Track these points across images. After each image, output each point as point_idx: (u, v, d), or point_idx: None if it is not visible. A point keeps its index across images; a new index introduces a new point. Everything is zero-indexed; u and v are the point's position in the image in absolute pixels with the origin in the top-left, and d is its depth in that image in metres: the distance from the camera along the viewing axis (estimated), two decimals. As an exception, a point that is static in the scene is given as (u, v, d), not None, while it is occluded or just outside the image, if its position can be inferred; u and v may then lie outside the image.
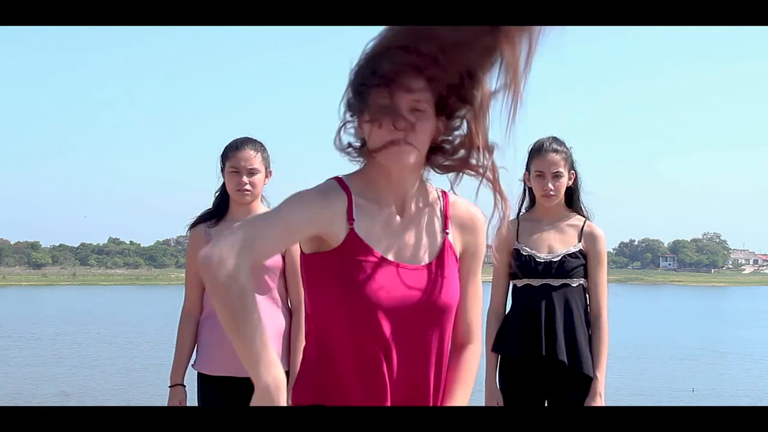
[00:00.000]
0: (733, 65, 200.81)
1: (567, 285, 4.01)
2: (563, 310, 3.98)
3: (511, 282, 4.09)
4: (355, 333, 1.94)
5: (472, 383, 2.07)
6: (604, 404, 3.95)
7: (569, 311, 3.99)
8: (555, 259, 4.02)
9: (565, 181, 4.05)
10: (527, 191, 4.15)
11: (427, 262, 2.00)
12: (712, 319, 38.71)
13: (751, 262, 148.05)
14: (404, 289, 1.95)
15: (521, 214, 4.14)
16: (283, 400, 1.83)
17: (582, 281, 4.05)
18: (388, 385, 1.95)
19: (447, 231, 2.04)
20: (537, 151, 4.05)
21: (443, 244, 2.03)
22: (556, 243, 4.06)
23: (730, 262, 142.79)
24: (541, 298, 3.97)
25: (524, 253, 4.03)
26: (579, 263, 4.04)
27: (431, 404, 2.01)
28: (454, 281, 2.02)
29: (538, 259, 4.00)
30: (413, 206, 2.02)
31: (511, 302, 4.11)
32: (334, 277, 1.94)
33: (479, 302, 2.12)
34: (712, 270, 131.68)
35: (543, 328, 3.94)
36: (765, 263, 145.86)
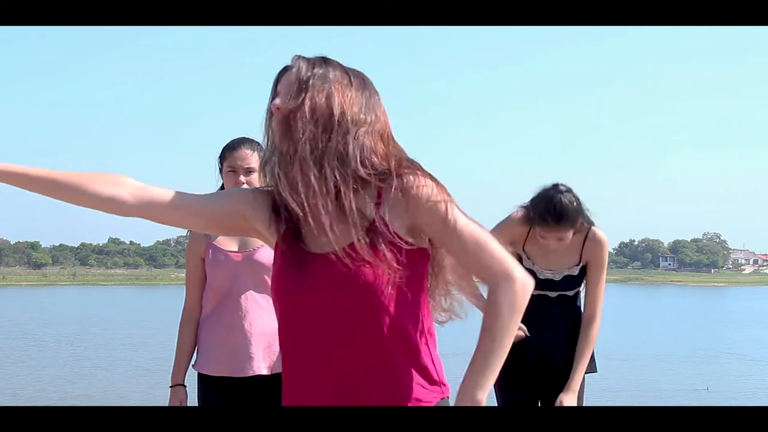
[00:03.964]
0: (734, 66, 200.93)
1: (564, 296, 4.02)
2: (561, 318, 3.99)
3: None
4: (281, 325, 2.02)
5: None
6: (577, 404, 3.93)
7: (566, 320, 3.99)
8: (555, 278, 3.98)
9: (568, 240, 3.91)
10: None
11: (348, 243, 1.92)
12: (714, 320, 38.67)
13: (751, 262, 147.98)
14: (321, 276, 1.93)
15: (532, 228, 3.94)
16: None
17: (578, 289, 4.04)
18: (316, 370, 1.96)
19: (378, 204, 1.95)
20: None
21: (371, 224, 1.94)
22: (558, 261, 3.99)
23: (730, 262, 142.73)
24: (538, 308, 3.86)
25: (525, 265, 3.92)
26: (577, 280, 4.01)
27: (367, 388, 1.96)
28: (378, 262, 1.91)
29: (538, 276, 3.89)
30: (347, 199, 1.94)
31: None
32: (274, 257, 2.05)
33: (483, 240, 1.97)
34: (712, 270, 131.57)
35: (539, 338, 3.91)
36: (765, 263, 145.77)
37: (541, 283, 3.90)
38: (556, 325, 3.97)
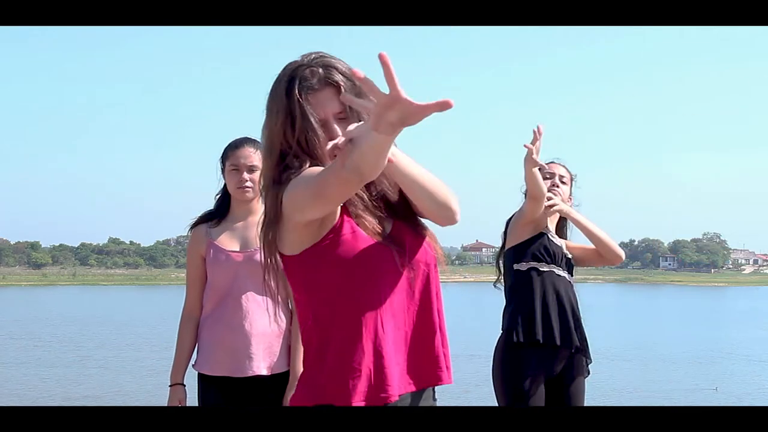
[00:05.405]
0: (734, 66, 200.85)
1: (570, 279, 4.30)
2: (575, 301, 4.26)
3: (525, 263, 4.17)
4: (359, 301, 2.01)
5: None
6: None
7: (577, 305, 4.26)
8: (570, 256, 4.32)
9: (567, 191, 4.37)
10: None
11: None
12: (716, 320, 38.67)
13: (751, 262, 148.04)
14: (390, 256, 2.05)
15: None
16: None
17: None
18: (390, 344, 2.00)
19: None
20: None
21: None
22: (565, 243, 4.39)
23: (730, 262, 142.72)
24: (564, 287, 4.20)
25: (556, 242, 4.27)
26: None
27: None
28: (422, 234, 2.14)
29: (565, 252, 4.28)
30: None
31: (523, 283, 4.18)
32: (336, 256, 2.03)
33: None
34: (712, 270, 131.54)
35: (571, 318, 4.17)
36: (765, 263, 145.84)
37: (565, 262, 4.26)
38: (574, 308, 4.23)
